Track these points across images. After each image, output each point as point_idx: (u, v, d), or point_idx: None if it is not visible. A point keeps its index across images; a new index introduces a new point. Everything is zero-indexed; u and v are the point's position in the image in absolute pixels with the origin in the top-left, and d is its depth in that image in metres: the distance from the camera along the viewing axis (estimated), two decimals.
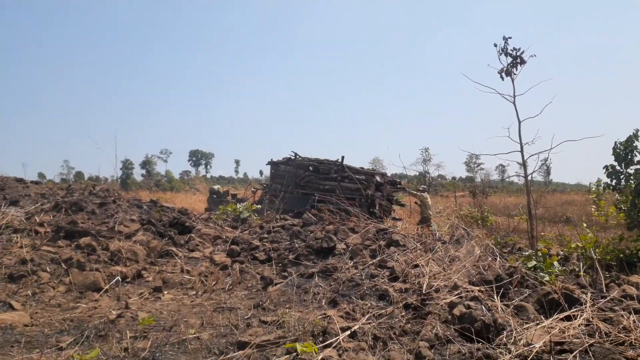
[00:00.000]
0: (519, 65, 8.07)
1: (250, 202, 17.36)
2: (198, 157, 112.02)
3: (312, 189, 16.43)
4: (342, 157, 16.97)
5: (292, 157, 17.83)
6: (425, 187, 17.40)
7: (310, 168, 17.29)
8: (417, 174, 59.47)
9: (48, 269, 6.19)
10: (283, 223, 9.55)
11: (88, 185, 12.11)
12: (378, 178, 16.60)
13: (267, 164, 18.66)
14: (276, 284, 6.39)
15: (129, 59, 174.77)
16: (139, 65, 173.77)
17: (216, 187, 20.88)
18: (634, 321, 4.14)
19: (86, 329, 4.38)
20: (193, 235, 8.60)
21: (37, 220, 8.14)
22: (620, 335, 3.92)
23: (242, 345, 4.03)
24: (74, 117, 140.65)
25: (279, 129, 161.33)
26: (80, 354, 3.44)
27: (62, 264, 6.34)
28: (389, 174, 18.98)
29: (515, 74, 8.10)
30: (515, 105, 7.92)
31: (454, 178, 72.18)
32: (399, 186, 18.41)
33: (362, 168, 17.21)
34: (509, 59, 8.12)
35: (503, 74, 8.16)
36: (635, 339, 3.83)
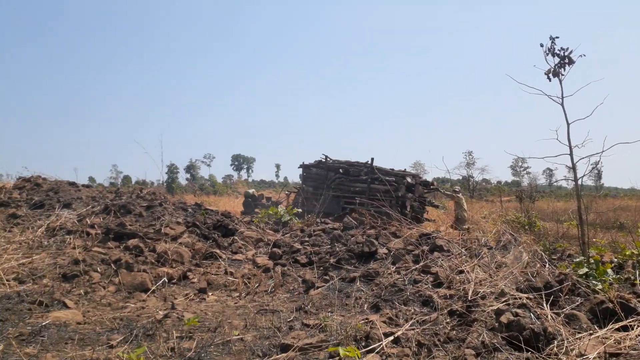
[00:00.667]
0: (567, 65, 7.75)
1: (284, 204, 17.93)
2: (240, 162, 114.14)
3: (342, 191, 16.49)
4: (372, 159, 16.96)
5: (323, 160, 17.98)
6: (458, 189, 17.14)
7: (340, 170, 17.31)
8: (461, 177, 58.37)
9: (99, 269, 6.42)
10: (324, 227, 9.55)
11: (135, 188, 12.50)
12: (409, 179, 16.45)
13: (299, 167, 18.95)
14: (318, 288, 6.39)
15: (174, 64, 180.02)
16: (185, 71, 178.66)
17: (251, 191, 21.64)
18: None
19: (135, 328, 4.51)
20: (236, 237, 8.73)
21: (89, 222, 8.47)
22: None
23: (285, 348, 4.05)
24: (122, 123, 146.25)
25: (319, 133, 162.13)
26: (129, 352, 3.54)
27: (112, 265, 6.57)
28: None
29: (563, 75, 7.79)
30: (563, 107, 7.62)
31: (499, 182, 70.27)
32: (431, 187, 18.20)
33: (392, 170, 17.09)
34: (557, 60, 7.82)
35: (550, 75, 7.85)
36: None
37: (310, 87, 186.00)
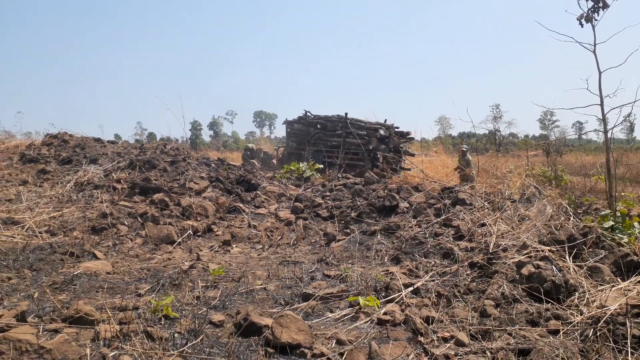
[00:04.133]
0: (600, 9, 7.34)
1: (275, 159, 19.14)
2: (262, 118, 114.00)
3: (322, 146, 16.96)
4: (346, 114, 17.26)
5: (303, 116, 18.37)
6: (467, 147, 16.95)
7: (318, 126, 17.82)
8: (487, 132, 57.24)
9: (126, 223, 6.61)
10: (345, 182, 9.56)
11: (159, 144, 12.65)
12: (382, 132, 16.76)
13: (282, 124, 19.56)
14: (339, 241, 6.46)
15: (194, 22, 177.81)
16: (208, 27, 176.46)
17: (250, 145, 22.41)
18: None
19: (161, 278, 4.66)
20: (259, 192, 8.82)
21: (115, 177, 8.66)
22: None
23: (306, 297, 4.14)
24: (147, 81, 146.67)
25: (343, 88, 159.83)
26: (156, 300, 3.67)
27: (138, 218, 6.74)
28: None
29: (596, 20, 7.39)
30: (595, 55, 7.26)
31: (526, 136, 68.75)
32: (408, 137, 18.65)
33: (365, 123, 17.28)
34: (590, 4, 7.41)
35: (583, 21, 7.45)
36: None
37: (333, 40, 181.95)
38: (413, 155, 18.79)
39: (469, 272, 4.73)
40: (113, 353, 2.81)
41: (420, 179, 10.03)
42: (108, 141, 12.58)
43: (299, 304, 4.04)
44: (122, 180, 8.40)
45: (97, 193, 7.78)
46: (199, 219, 7.13)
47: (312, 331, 3.30)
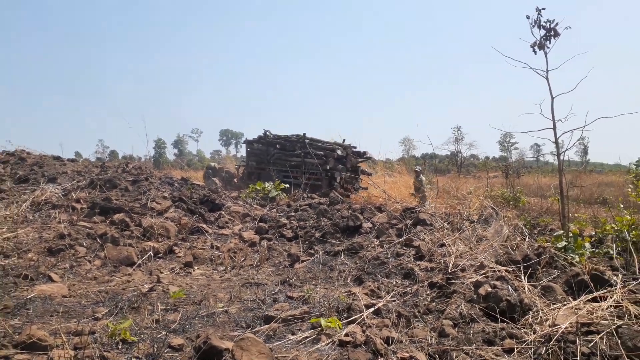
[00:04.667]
0: (552, 38, 7.74)
1: (237, 178, 19.40)
2: (228, 137, 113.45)
3: (281, 166, 17.29)
4: (304, 134, 17.68)
5: (263, 136, 18.70)
6: (420, 168, 17.46)
7: (278, 146, 18.09)
8: (449, 153, 58.62)
9: (84, 244, 6.44)
10: (310, 202, 9.62)
11: (121, 163, 12.43)
12: (339, 152, 17.25)
13: (242, 143, 20.13)
14: (303, 261, 6.48)
15: (160, 38, 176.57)
16: (172, 45, 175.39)
17: (213, 164, 22.58)
18: None
19: (120, 301, 4.56)
20: (223, 212, 8.77)
21: (74, 196, 8.44)
22: None
23: (268, 319, 4.13)
24: (109, 98, 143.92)
25: (308, 108, 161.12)
26: (114, 324, 3.59)
27: (98, 239, 6.58)
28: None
29: (548, 48, 7.77)
30: (548, 80, 7.62)
31: (487, 158, 70.75)
32: (365, 156, 19.19)
33: (324, 143, 17.87)
34: (542, 32, 7.80)
35: (536, 48, 7.84)
36: None
37: (300, 61, 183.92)
38: (370, 174, 19.18)
39: (428, 292, 4.83)
40: None
41: (384, 199, 10.20)
42: (68, 159, 12.27)
43: (261, 326, 4.03)
44: (81, 200, 8.20)
45: (55, 213, 7.56)
46: (160, 240, 7.02)
47: (274, 354, 3.30)
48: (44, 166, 10.62)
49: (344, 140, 18.50)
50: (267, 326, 3.99)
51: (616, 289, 4.41)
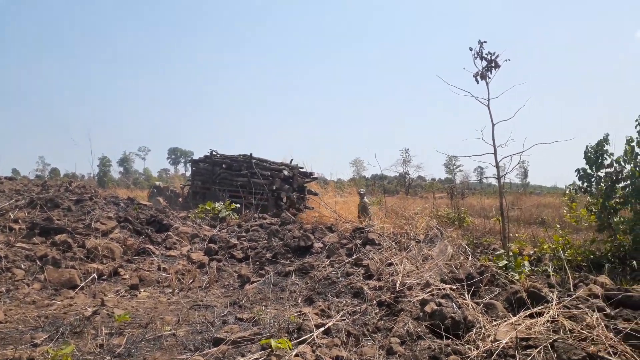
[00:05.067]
0: (493, 69, 8.25)
1: (182, 198, 19.35)
2: (177, 155, 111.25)
3: (227, 185, 17.29)
4: (251, 154, 17.82)
5: (209, 155, 18.68)
6: (363, 191, 17.87)
7: (224, 165, 18.15)
8: (397, 174, 59.99)
9: (22, 266, 6.14)
10: (261, 222, 9.60)
11: (64, 181, 11.96)
12: (286, 172, 17.56)
13: (187, 162, 20.02)
14: (253, 282, 6.45)
15: (107, 52, 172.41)
16: (119, 61, 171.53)
17: (157, 183, 22.79)
18: (597, 318, 4.30)
19: (61, 326, 4.38)
20: (170, 233, 8.59)
21: (12, 216, 8.04)
22: (583, 331, 4.07)
23: (217, 342, 4.09)
24: (51, 112, 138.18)
25: (258, 128, 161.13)
26: (55, 350, 3.45)
27: (37, 261, 6.30)
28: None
29: (489, 78, 8.28)
30: (489, 109, 8.09)
31: (433, 179, 72.87)
32: (312, 177, 19.51)
33: (271, 163, 18.04)
34: (484, 63, 8.30)
35: (478, 78, 8.33)
36: (597, 335, 3.99)
37: (252, 79, 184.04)
38: (317, 194, 19.36)
39: (377, 310, 4.92)
40: None
41: (335, 219, 10.33)
42: (5, 177, 11.69)
43: (210, 349, 3.98)
44: (20, 220, 7.82)
45: None
46: (105, 261, 6.79)
47: None
48: None
49: (291, 160, 18.63)
50: (216, 349, 3.94)
51: (552, 305, 4.67)
